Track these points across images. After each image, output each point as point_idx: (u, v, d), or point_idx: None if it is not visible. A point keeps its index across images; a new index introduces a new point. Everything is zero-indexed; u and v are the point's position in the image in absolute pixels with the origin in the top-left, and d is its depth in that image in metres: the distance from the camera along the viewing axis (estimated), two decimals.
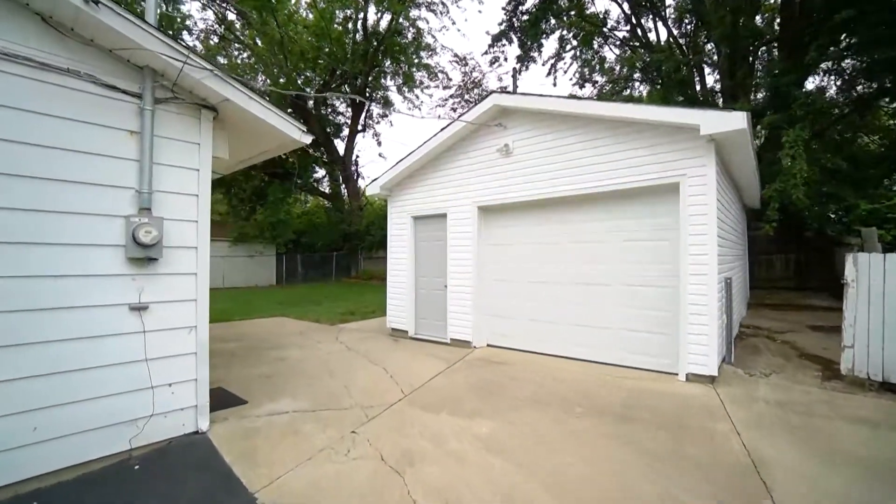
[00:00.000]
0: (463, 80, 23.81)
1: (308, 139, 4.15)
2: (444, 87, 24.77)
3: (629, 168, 5.34)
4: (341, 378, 5.31)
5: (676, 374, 4.98)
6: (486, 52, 20.47)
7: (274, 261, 23.20)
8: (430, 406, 4.39)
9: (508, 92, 6.47)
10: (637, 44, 18.92)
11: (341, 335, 8.27)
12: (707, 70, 17.68)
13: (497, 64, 20.68)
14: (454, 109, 25.36)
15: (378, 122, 26.90)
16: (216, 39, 21.63)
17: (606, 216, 5.81)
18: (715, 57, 16.08)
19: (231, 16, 21.46)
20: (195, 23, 21.10)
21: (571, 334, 6.05)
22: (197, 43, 20.84)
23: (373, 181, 8.29)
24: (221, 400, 4.46)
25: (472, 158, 6.96)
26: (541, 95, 6.02)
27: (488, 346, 6.93)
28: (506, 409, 4.28)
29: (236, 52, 22.15)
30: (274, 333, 8.46)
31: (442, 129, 7.21)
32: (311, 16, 22.09)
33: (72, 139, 3.02)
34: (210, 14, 21.87)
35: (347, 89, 23.94)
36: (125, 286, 3.25)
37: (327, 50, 21.54)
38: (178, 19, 19.65)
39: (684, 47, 17.34)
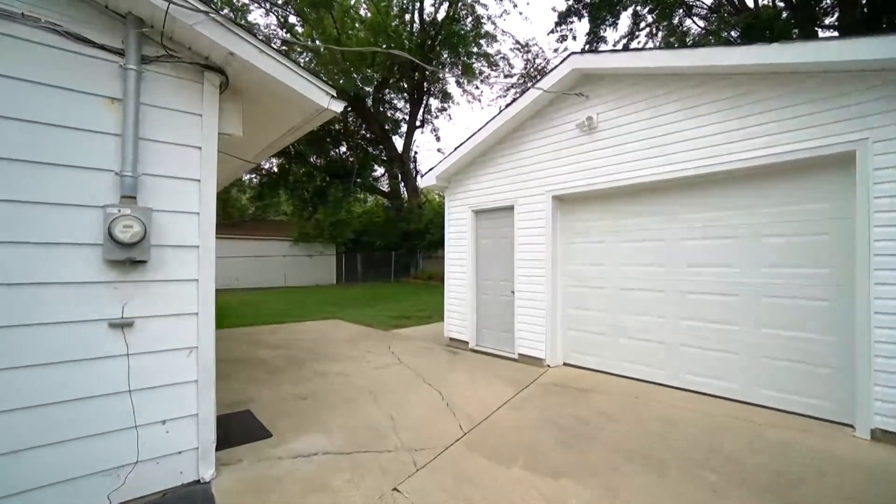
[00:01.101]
0: (525, 68, 22.41)
1: (338, 106, 3.24)
2: (506, 76, 23.44)
3: (763, 138, 3.92)
4: (388, 403, 4.39)
5: (851, 428, 3.50)
6: (552, 31, 18.95)
7: (334, 260, 23.26)
8: (497, 454, 3.33)
9: (592, 51, 5.20)
10: (730, 9, 16.47)
11: (394, 344, 7.43)
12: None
13: (563, 44, 19.04)
14: (516, 100, 23.93)
15: (436, 117, 26.21)
16: (278, 43, 21.98)
17: (728, 204, 4.40)
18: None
19: (292, 19, 21.74)
20: (259, 28, 21.57)
21: (678, 357, 4.69)
22: None
23: (428, 171, 7.35)
24: (243, 430, 3.69)
25: (545, 139, 5.78)
26: (634, 50, 4.71)
27: (565, 365, 5.71)
28: (603, 466, 3.10)
29: (298, 56, 22.40)
30: (322, 340, 7.80)
31: (508, 106, 6.09)
32: (367, 13, 21.78)
33: (30, 107, 2.31)
34: (273, 19, 22.31)
35: (405, 85, 23.43)
36: (103, 297, 2.51)
37: (384, 47, 21.11)
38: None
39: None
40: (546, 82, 5.38)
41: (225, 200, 21.91)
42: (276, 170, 25.07)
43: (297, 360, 6.20)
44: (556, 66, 5.36)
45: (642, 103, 4.83)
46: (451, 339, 7.25)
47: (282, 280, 20.85)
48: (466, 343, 6.88)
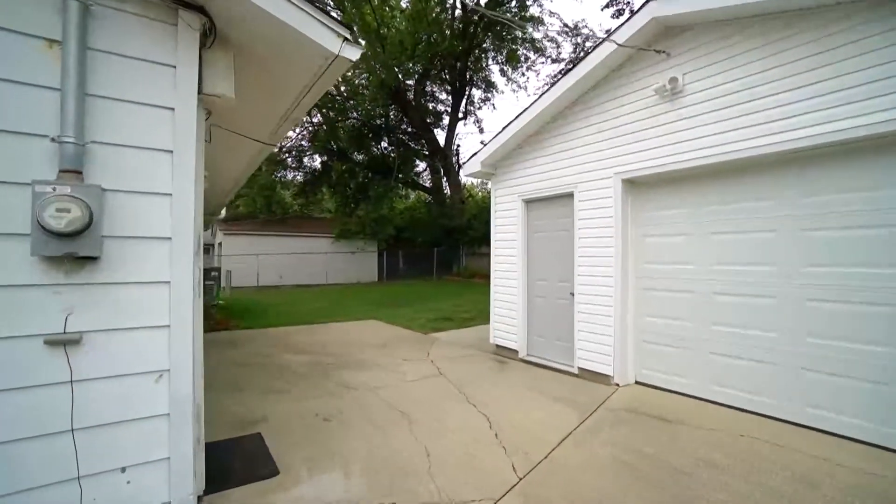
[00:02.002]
0: (574, 52, 20.95)
1: (354, 52, 2.48)
2: (553, 61, 22.04)
3: None
4: (423, 429, 3.61)
5: None
6: (608, 5, 17.46)
7: (375, 257, 22.94)
8: None
9: None
10: None
11: (433, 350, 6.66)
12: None
13: (620, 20, 17.44)
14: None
15: (479, 108, 25.26)
16: None
17: (870, 184, 3.26)
18: None
19: (333, 14, 21.48)
20: None
21: (797, 385, 3.59)
22: None
23: (472, 157, 6.50)
24: (247, 463, 3.03)
25: (612, 110, 4.78)
26: None
27: (637, 384, 4.70)
28: None
29: None
30: (354, 343, 7.17)
31: (564, 75, 5.13)
32: (406, 2, 21.15)
33: None
34: None
35: (447, 75, 22.66)
36: (38, 304, 1.88)
37: (425, 38, 20.42)
38: None
39: None
40: (620, 35, 4.37)
41: (268, 197, 22.12)
42: (318, 167, 25.09)
43: (324, 368, 5.57)
44: (631, 17, 4.34)
45: (746, 55, 3.74)
46: (497, 346, 6.39)
47: (323, 277, 20.75)
48: (515, 352, 5.99)
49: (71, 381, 1.92)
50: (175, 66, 2.19)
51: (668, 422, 3.73)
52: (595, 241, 4.91)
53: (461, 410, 4.06)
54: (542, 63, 22.77)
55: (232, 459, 3.06)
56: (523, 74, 23.59)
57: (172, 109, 2.18)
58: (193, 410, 2.28)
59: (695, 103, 4.08)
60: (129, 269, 2.07)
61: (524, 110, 5.62)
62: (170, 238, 2.16)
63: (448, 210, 22.97)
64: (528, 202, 5.93)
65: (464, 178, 26.77)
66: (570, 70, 5.06)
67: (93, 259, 1.98)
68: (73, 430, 1.92)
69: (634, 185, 4.74)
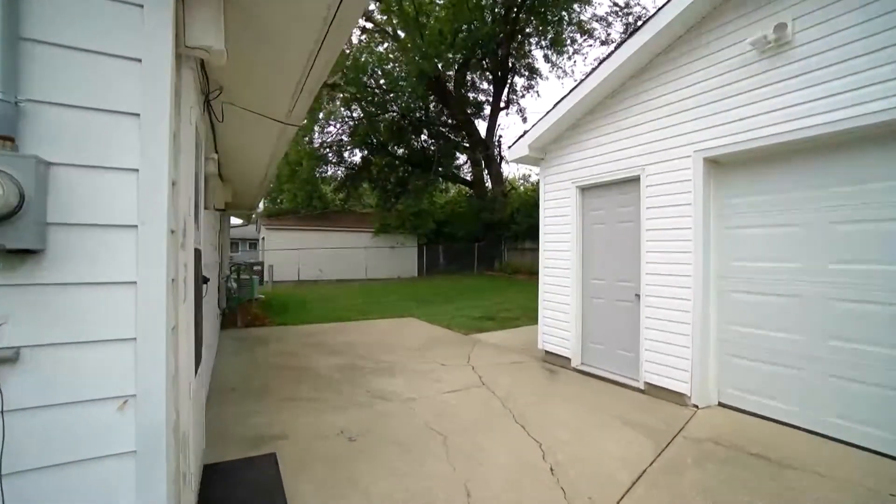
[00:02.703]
0: (625, 31, 19.51)
1: None
2: (602, 43, 20.68)
3: None
4: (461, 456, 3.02)
5: None
6: None
7: (415, 252, 22.59)
8: None
9: None
10: None
11: (474, 354, 6.06)
12: None
13: None
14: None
15: (522, 96, 24.27)
16: (358, 33, 21.63)
17: None
18: None
19: (371, 6, 21.19)
20: None
21: None
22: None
23: (518, 139, 5.81)
24: (252, 496, 2.56)
25: (691, 74, 3.96)
26: None
27: (721, 405, 3.88)
28: None
29: (377, 43, 21.88)
30: (390, 344, 6.69)
31: (631, 35, 4.34)
32: None
33: None
34: None
35: (488, 63, 21.85)
36: None
37: (465, 26, 19.70)
38: None
39: None
40: None
41: (309, 192, 22.26)
42: (359, 161, 25.05)
43: (354, 373, 5.10)
44: None
45: None
46: (546, 352, 5.70)
47: (363, 272, 20.62)
48: (568, 360, 5.28)
49: (1, 411, 1.48)
50: (142, 6, 1.69)
51: (772, 462, 2.93)
52: (667, 233, 4.12)
53: (507, 433, 3.44)
54: (590, 46, 21.42)
55: (236, 489, 2.60)
56: (571, 57, 22.32)
57: (139, 61, 1.68)
58: (172, 443, 1.80)
59: (804, 58, 3.22)
60: (82, 266, 1.60)
61: (579, 83, 4.87)
62: (136, 226, 1.67)
63: (489, 204, 22.22)
64: (584, 189, 5.18)
65: (506, 170, 25.91)
66: (636, 31, 4.26)
67: (33, 253, 1.52)
68: (1, 476, 1.47)
69: (719, 166, 3.90)
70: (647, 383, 4.28)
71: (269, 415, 3.77)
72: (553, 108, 5.23)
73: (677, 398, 3.99)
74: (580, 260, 5.22)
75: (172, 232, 1.92)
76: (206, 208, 3.17)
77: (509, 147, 5.98)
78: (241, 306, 8.33)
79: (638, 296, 4.44)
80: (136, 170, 1.68)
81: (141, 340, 1.68)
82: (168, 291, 1.75)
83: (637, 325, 4.43)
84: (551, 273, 5.60)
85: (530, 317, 9.09)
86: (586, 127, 5.05)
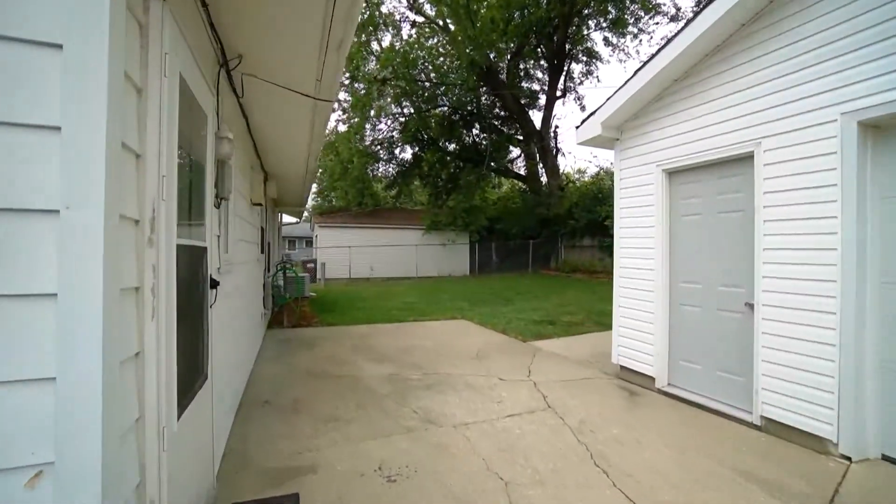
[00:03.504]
0: (698, 5, 17.62)
1: None
2: (672, 19, 18.84)
3: None
4: None
5: None
6: None
7: (467, 249, 21.93)
8: None
9: None
10: None
11: (536, 365, 5.30)
12: None
13: None
14: None
15: (580, 83, 22.73)
16: (408, 27, 21.25)
17: None
18: None
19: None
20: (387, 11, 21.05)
21: None
22: (392, 39, 20.78)
23: (588, 118, 4.96)
24: None
25: (837, 10, 2.96)
26: None
27: (886, 458, 2.88)
28: None
29: (427, 37, 21.38)
30: (441, 351, 6.08)
31: None
32: None
33: None
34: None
35: (543, 50, 20.70)
36: None
37: (518, 14, 18.70)
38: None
39: None
40: None
41: (361, 189, 22.24)
42: (410, 158, 24.78)
43: (402, 385, 4.53)
44: None
45: None
46: (621, 367, 4.83)
47: (414, 270, 20.27)
48: (650, 380, 4.39)
49: None
50: None
51: None
52: (797, 224, 3.15)
53: (588, 484, 2.68)
54: (657, 24, 19.65)
55: None
56: (637, 35, 20.47)
57: None
58: None
59: None
60: None
61: (667, 44, 3.96)
62: (58, 211, 1.12)
63: (545, 198, 21.09)
64: (672, 173, 4.26)
65: (562, 163, 24.54)
66: None
67: None
68: None
69: (880, 132, 2.88)
70: (764, 418, 3.33)
71: (301, 439, 3.25)
72: (632, 77, 4.35)
73: (815, 443, 3.02)
74: (666, 259, 4.31)
75: (136, 222, 1.38)
76: (221, 198, 2.68)
77: (577, 127, 5.14)
78: (287, 305, 8.08)
79: (750, 305, 3.49)
80: (57, 128, 1.13)
81: (64, 380, 1.13)
82: (115, 305, 1.19)
83: (749, 341, 3.48)
84: (629, 275, 4.72)
85: (595, 322, 8.17)
86: (675, 97, 4.13)
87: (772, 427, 3.29)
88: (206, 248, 2.21)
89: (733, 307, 3.69)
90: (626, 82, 4.45)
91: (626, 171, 4.75)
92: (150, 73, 1.45)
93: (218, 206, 2.67)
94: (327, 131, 23.20)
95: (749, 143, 3.46)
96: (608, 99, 4.69)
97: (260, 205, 5.15)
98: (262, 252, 6.58)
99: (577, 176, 28.51)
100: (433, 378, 4.84)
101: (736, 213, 3.67)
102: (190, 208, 2.04)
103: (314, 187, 25.82)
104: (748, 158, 3.50)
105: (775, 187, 3.28)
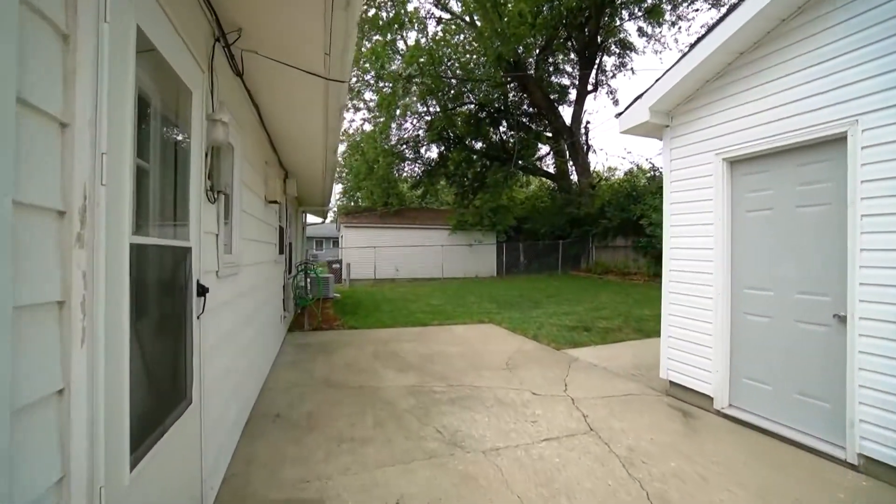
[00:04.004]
0: None
1: None
2: (712, 5, 17.73)
3: None
4: None
5: None
6: None
7: (494, 250, 21.39)
8: None
9: None
10: None
11: (572, 378, 4.80)
12: None
13: None
14: None
15: (613, 76, 21.82)
16: (434, 24, 20.90)
17: None
18: None
19: None
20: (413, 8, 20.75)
21: None
22: (420, 36, 20.47)
23: (633, 102, 4.43)
24: None
25: None
26: None
27: None
28: None
29: (453, 34, 20.97)
30: (469, 359, 5.64)
31: None
32: None
33: None
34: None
35: (574, 43, 19.96)
36: None
37: (546, 6, 18.04)
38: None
39: None
40: None
41: (386, 189, 22.02)
42: (435, 157, 24.45)
43: (427, 399, 4.13)
44: None
45: None
46: (671, 383, 4.28)
47: (440, 271, 19.89)
48: (707, 399, 3.83)
49: None
50: None
51: None
52: None
53: None
54: (696, 11, 18.52)
55: None
56: (675, 24, 19.33)
57: None
58: None
59: None
60: None
61: (732, 9, 3.40)
62: None
63: (575, 197, 20.32)
64: (735, 163, 3.69)
65: (593, 161, 23.62)
66: None
67: None
68: None
69: None
70: (863, 457, 2.75)
71: (310, 463, 2.89)
72: (687, 53, 3.80)
73: None
74: (727, 262, 3.74)
75: (61, 214, 1.01)
76: (218, 191, 2.34)
77: (618, 115, 4.61)
78: (309, 307, 7.82)
79: (840, 317, 2.91)
80: None
81: None
82: (11, 328, 0.82)
83: (839, 360, 2.90)
84: (681, 279, 4.16)
85: (634, 328, 7.56)
86: (740, 74, 3.56)
87: (873, 468, 2.70)
88: (189, 249, 1.85)
89: (816, 318, 3.10)
90: (678, 60, 3.91)
91: (678, 163, 4.19)
92: (80, 17, 1.09)
93: (213, 200, 2.33)
94: (352, 130, 23.14)
95: (841, 121, 2.88)
96: (657, 80, 4.15)
97: (276, 203, 4.85)
98: (281, 252, 6.32)
99: (606, 174, 27.53)
100: (459, 391, 4.41)
101: (820, 208, 3.09)
102: (166, 200, 1.68)
103: (339, 187, 25.87)
104: (839, 140, 2.92)
105: (880, 173, 2.69)
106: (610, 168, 28.60)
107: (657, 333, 7.31)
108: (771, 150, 3.35)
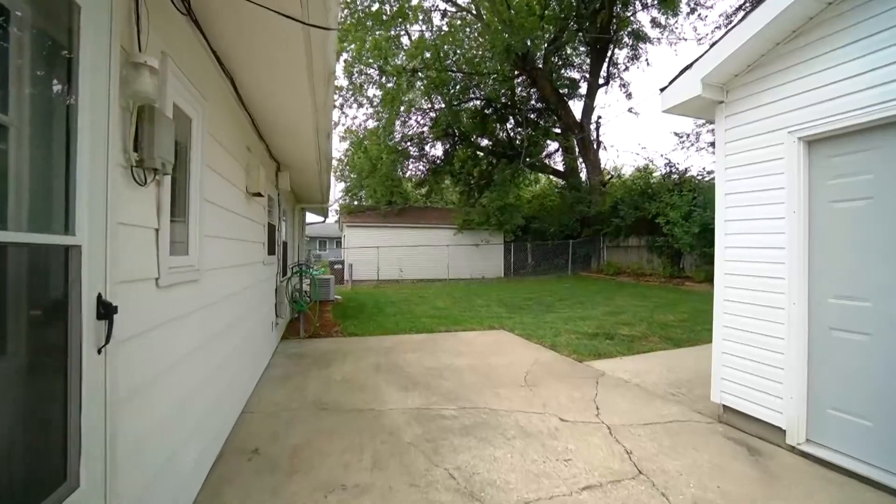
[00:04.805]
0: None
1: None
2: None
3: None
4: None
5: None
6: None
7: (501, 250, 20.68)
8: None
9: None
10: None
11: (603, 401, 4.12)
12: None
13: None
14: None
15: (626, 69, 21.04)
16: (439, 18, 20.22)
17: None
18: None
19: None
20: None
21: None
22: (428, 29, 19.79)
23: (680, 74, 3.74)
24: None
25: None
26: None
27: None
28: None
29: (458, 29, 20.26)
30: (482, 374, 4.97)
31: None
32: None
33: None
34: None
35: (585, 34, 19.23)
36: None
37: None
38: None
39: None
40: None
41: (389, 187, 21.35)
42: (440, 155, 23.78)
43: (433, 427, 3.47)
44: None
45: None
46: (725, 407, 3.59)
47: (445, 272, 19.20)
48: (779, 432, 3.14)
49: None
50: None
51: None
52: None
53: None
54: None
55: None
56: (694, 10, 18.44)
57: None
58: None
59: None
60: None
61: None
62: None
63: (585, 195, 19.57)
64: (814, 142, 3.01)
65: (603, 158, 22.81)
66: None
67: None
68: None
69: None
70: None
71: None
72: (753, 10, 3.12)
73: None
74: (804, 263, 3.05)
75: None
76: (154, 169, 1.68)
77: (662, 90, 3.93)
78: (305, 314, 7.18)
79: None
80: None
81: None
82: None
83: None
84: (739, 284, 3.47)
85: (661, 336, 6.89)
86: (827, 28, 2.87)
87: None
88: (73, 250, 1.20)
89: None
90: (741, 20, 3.22)
91: (735, 146, 3.50)
92: None
93: (144, 181, 1.68)
94: (354, 127, 22.48)
95: None
96: (712, 46, 3.47)
97: (260, 195, 4.21)
98: (271, 253, 5.68)
99: (611, 174, 26.60)
100: (473, 415, 3.74)
101: None
102: (39, 175, 1.03)
103: (342, 186, 25.24)
104: None
105: None
106: (615, 168, 27.76)
107: (688, 342, 6.65)
108: (873, 123, 2.65)
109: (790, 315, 3.08)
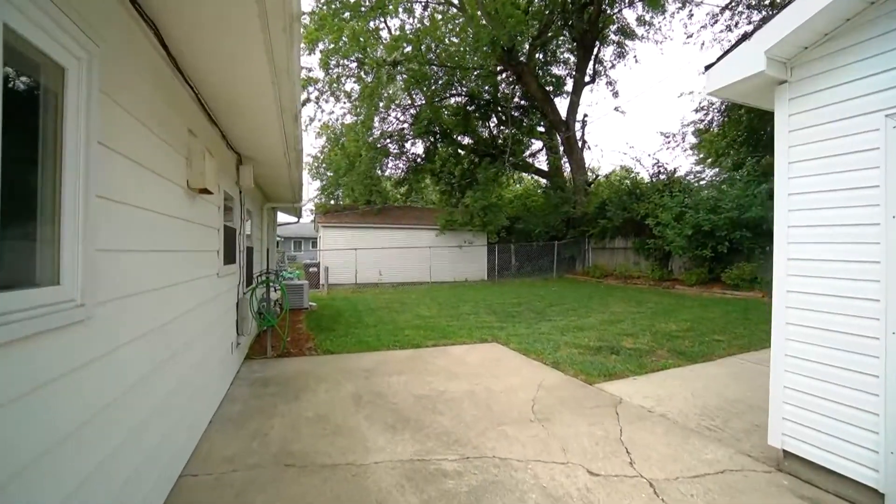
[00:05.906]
0: None
1: None
2: None
3: None
4: None
5: None
6: None
7: (485, 252, 20.00)
8: None
9: None
10: None
11: (632, 441, 3.41)
12: None
13: None
14: (731, 29, 17.14)
15: (612, 66, 20.67)
16: (420, 9, 19.38)
17: None
18: None
19: None
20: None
21: None
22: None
23: (735, 46, 3.08)
24: None
25: None
26: None
27: None
28: None
29: (441, 23, 19.49)
30: (483, 404, 4.20)
31: None
32: None
33: None
34: None
35: (570, 33, 18.75)
36: None
37: None
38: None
39: None
40: None
41: (368, 185, 20.37)
42: (421, 153, 22.94)
43: (431, 491, 2.68)
44: None
45: None
46: (786, 452, 2.94)
47: (427, 274, 18.39)
48: (869, 491, 2.49)
49: None
50: None
51: None
52: None
53: None
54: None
55: None
56: (684, 7, 18.04)
57: None
58: None
59: None
60: None
61: None
62: None
63: (570, 196, 19.09)
64: None
65: (588, 157, 22.38)
66: None
67: None
68: None
69: None
70: None
71: None
72: None
73: None
74: None
75: None
76: None
77: (707, 67, 3.24)
78: (272, 328, 6.27)
79: None
80: None
81: None
82: None
83: None
84: (812, 305, 2.81)
85: (669, 349, 6.29)
86: None
87: None
88: None
89: None
90: None
91: (805, 134, 2.84)
92: None
93: None
94: (331, 122, 21.40)
95: None
96: (776, 13, 2.78)
97: (209, 192, 3.33)
98: (231, 262, 4.77)
99: (596, 174, 26.24)
100: (481, 470, 2.97)
101: None
102: None
103: (317, 184, 24.09)
104: None
105: None
106: (591, 169, 27.31)
107: (702, 357, 6.02)
108: None
109: (887, 347, 2.43)
